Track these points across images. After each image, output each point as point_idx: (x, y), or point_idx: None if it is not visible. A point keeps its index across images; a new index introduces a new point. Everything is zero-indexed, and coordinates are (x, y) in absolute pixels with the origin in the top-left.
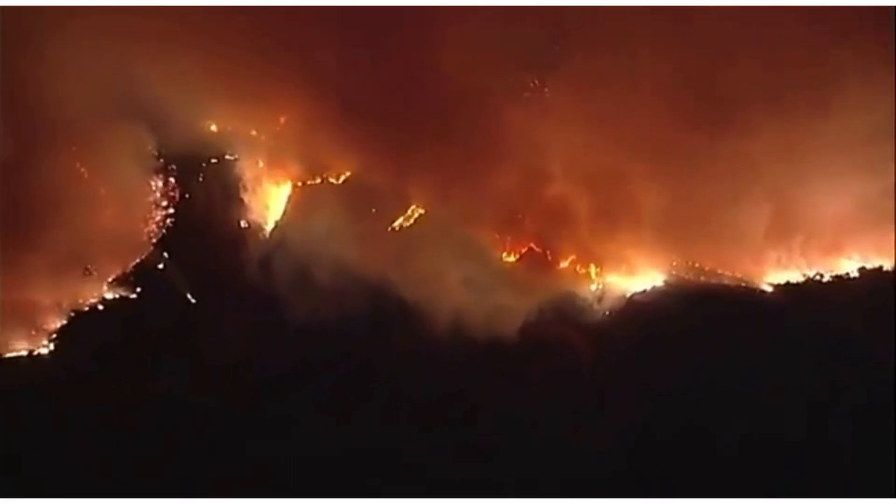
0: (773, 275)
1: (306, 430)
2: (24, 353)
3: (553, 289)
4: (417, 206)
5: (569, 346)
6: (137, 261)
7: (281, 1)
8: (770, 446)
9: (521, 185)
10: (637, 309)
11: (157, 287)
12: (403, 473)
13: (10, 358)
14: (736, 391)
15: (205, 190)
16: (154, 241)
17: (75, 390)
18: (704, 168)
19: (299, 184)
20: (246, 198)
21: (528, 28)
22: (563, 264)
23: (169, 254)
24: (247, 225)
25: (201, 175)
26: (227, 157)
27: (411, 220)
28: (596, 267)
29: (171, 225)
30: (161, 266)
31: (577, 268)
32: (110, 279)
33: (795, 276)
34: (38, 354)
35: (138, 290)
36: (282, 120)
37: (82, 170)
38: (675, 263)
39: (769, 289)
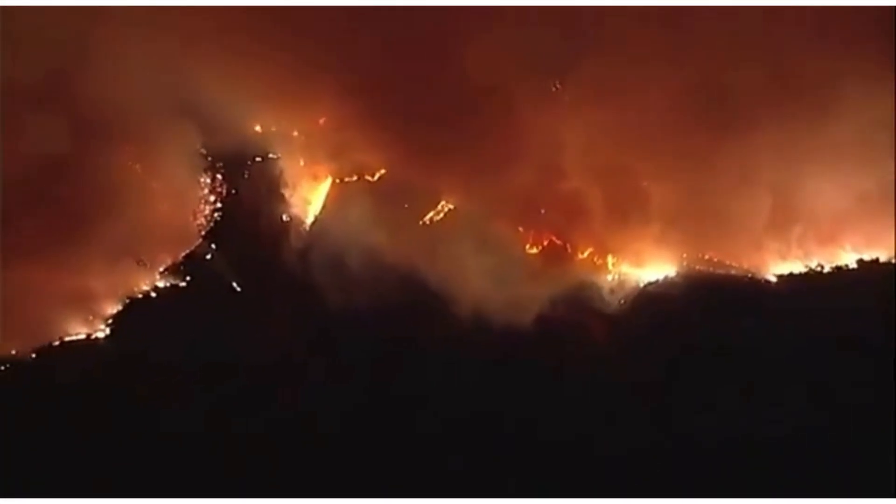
0: (776, 265)
1: (340, 406)
2: (83, 336)
3: (572, 278)
4: (447, 202)
5: (586, 331)
6: (187, 252)
7: (319, 1)
8: (773, 431)
9: (543, 182)
10: (650, 297)
11: (205, 276)
12: (427, 450)
13: (70, 341)
14: (741, 377)
15: (250, 186)
16: (202, 233)
17: (129, 372)
18: (710, 166)
19: (337, 181)
20: (287, 194)
21: (548, 36)
22: (582, 256)
23: (216, 245)
24: (288, 219)
25: (246, 173)
26: (271, 156)
27: (441, 215)
28: (612, 258)
29: (218, 219)
30: (209, 257)
31: (595, 259)
32: (162, 269)
33: (798, 267)
34: (95, 338)
35: (188, 279)
36: (321, 121)
37: (137, 167)
38: (685, 255)
39: (773, 279)
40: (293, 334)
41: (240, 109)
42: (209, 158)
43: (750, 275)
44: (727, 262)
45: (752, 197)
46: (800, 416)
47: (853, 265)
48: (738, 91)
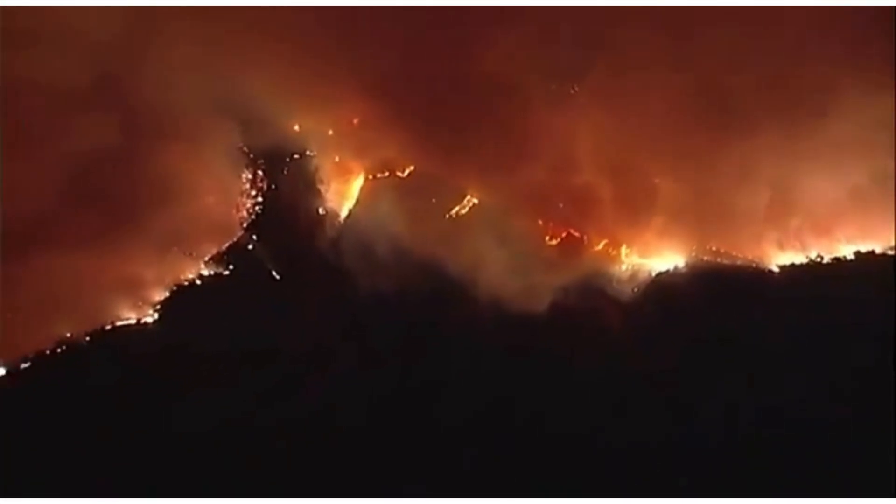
0: (776, 256)
1: (369, 388)
2: (133, 321)
3: (588, 268)
4: (472, 196)
5: (601, 316)
6: (230, 242)
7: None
8: (775, 418)
9: (560, 178)
10: (660, 286)
11: (246, 265)
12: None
13: (120, 326)
14: (746, 362)
15: (289, 182)
16: (244, 225)
17: (175, 355)
18: (714, 164)
19: (369, 176)
20: (323, 189)
21: (563, 43)
22: (598, 247)
23: (257, 237)
24: (324, 212)
25: (286, 169)
26: (308, 153)
27: (466, 209)
28: (625, 249)
29: (259, 212)
30: (250, 247)
31: (610, 250)
32: (206, 258)
33: (799, 258)
34: (144, 323)
35: (230, 267)
36: (354, 121)
37: (183, 162)
38: (692, 246)
39: (776, 269)
40: (327, 319)
41: (279, 110)
42: (251, 156)
43: (753, 265)
44: (732, 253)
45: (753, 192)
46: (801, 403)
47: (850, 256)
48: (739, 94)
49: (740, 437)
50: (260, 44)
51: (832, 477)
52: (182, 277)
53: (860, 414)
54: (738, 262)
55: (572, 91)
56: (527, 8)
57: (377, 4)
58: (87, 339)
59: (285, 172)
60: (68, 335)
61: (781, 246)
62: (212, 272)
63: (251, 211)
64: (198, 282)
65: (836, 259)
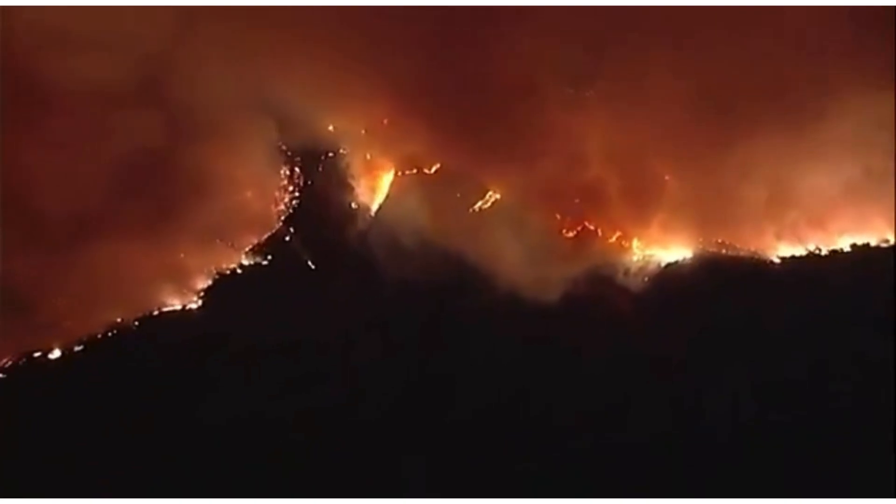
0: (777, 248)
1: (392, 369)
2: (178, 307)
3: (602, 259)
4: (494, 192)
5: (614, 304)
6: (268, 234)
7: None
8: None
9: (577, 176)
10: (669, 276)
11: (284, 256)
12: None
13: (166, 311)
14: (749, 348)
15: (323, 178)
16: (282, 218)
17: (218, 340)
18: (718, 163)
19: (398, 173)
20: (355, 184)
21: (578, 49)
22: (611, 240)
23: (294, 229)
24: (356, 206)
25: (320, 166)
26: (341, 151)
27: (488, 204)
28: (637, 242)
29: (296, 206)
30: (287, 239)
31: (622, 243)
32: (246, 249)
33: (799, 250)
34: (188, 309)
35: (269, 258)
36: (385, 121)
37: (224, 159)
38: (699, 240)
39: (777, 260)
40: (357, 306)
41: (315, 111)
42: (288, 153)
43: (756, 256)
44: (736, 245)
45: (754, 189)
46: (801, 391)
47: (847, 248)
48: (740, 97)
49: (742, 425)
50: (296, 48)
51: (831, 470)
52: (224, 267)
53: (861, 405)
54: (742, 254)
55: (587, 94)
56: (544, 11)
57: (407, 4)
58: (136, 323)
59: (320, 169)
60: (118, 320)
61: (780, 238)
62: (251, 262)
63: (288, 205)
64: (238, 271)
65: (833, 251)
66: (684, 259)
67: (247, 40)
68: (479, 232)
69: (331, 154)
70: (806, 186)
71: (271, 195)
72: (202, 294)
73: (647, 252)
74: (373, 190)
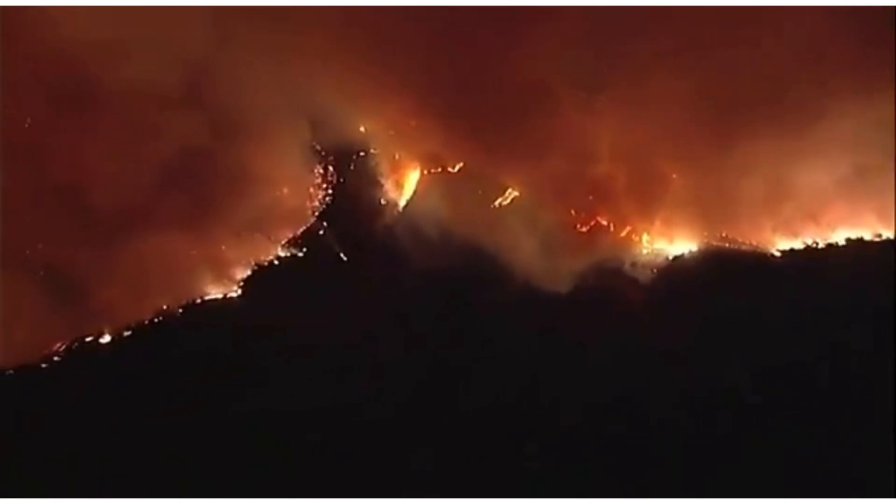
0: (777, 242)
1: (418, 349)
2: (220, 296)
3: (614, 252)
4: (513, 190)
5: (625, 294)
6: (303, 228)
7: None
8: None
9: (590, 175)
10: (676, 267)
11: (318, 248)
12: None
13: (208, 300)
14: (750, 337)
15: (354, 176)
16: (316, 213)
17: (256, 328)
18: (722, 162)
19: (424, 172)
20: (384, 182)
21: (590, 54)
22: (622, 234)
23: (327, 223)
24: (384, 202)
25: (352, 165)
26: (371, 151)
27: (508, 200)
28: (646, 236)
29: (329, 202)
30: (321, 232)
31: (632, 237)
32: (283, 242)
33: (797, 244)
34: (229, 298)
35: (304, 250)
36: (412, 123)
37: (263, 158)
38: (704, 234)
39: (777, 253)
40: (385, 294)
41: (347, 114)
42: (322, 153)
43: (757, 250)
44: (738, 240)
45: (754, 186)
46: (801, 378)
47: (842, 242)
48: (741, 101)
49: (744, 415)
50: (330, 55)
51: (830, 464)
52: (262, 258)
53: (859, 395)
54: (744, 248)
55: (599, 98)
56: (559, 20)
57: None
58: (180, 311)
59: (351, 168)
60: (164, 307)
61: (779, 232)
62: (287, 254)
63: (322, 201)
64: (275, 262)
65: (830, 245)
66: (689, 252)
67: (284, 48)
68: (499, 227)
69: (361, 154)
70: (802, 184)
71: (306, 192)
72: (242, 284)
73: (655, 246)
74: (400, 187)
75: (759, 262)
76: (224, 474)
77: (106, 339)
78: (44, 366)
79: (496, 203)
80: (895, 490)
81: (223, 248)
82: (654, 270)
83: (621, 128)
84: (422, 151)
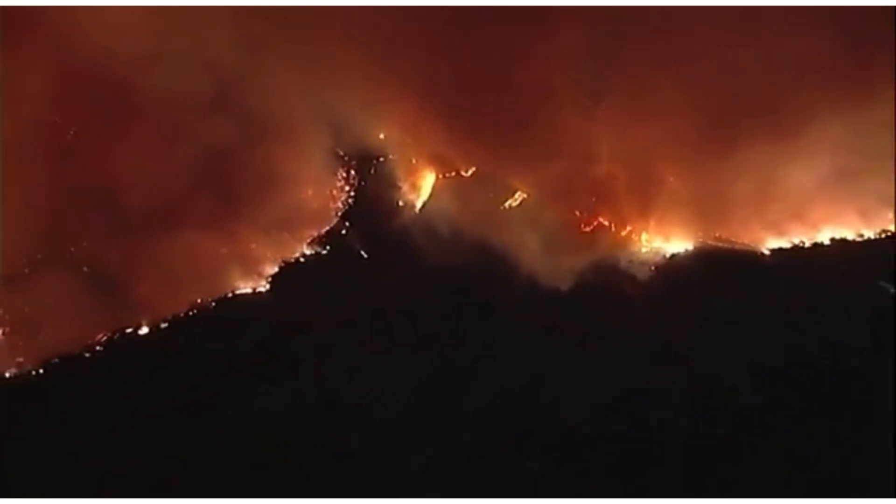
0: (767, 241)
1: (428, 340)
2: (249, 290)
3: (615, 251)
4: (522, 192)
5: (625, 290)
6: (327, 228)
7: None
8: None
9: (593, 178)
10: (673, 265)
11: (340, 246)
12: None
13: (239, 294)
14: (742, 332)
15: (374, 179)
16: (338, 214)
17: (284, 320)
18: (716, 166)
19: (439, 176)
20: (402, 185)
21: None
22: (622, 234)
23: (349, 223)
24: (402, 204)
25: (372, 169)
26: (390, 157)
27: (517, 202)
28: (645, 236)
29: (350, 203)
30: (343, 232)
31: (632, 236)
32: (308, 240)
33: (785, 244)
34: (258, 292)
35: (327, 248)
36: (427, 131)
37: (288, 161)
38: (700, 234)
39: (767, 252)
40: (401, 289)
41: (367, 122)
42: (344, 158)
43: (748, 249)
44: (731, 239)
45: (746, 190)
46: (798, 378)
47: (826, 241)
48: (735, 111)
49: (741, 411)
50: (353, 66)
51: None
52: (288, 255)
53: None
54: (736, 247)
55: (602, 106)
56: (566, 31)
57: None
58: (213, 304)
59: (371, 172)
60: (198, 301)
61: (769, 232)
62: (312, 252)
63: (344, 203)
64: (301, 259)
65: (815, 244)
66: (685, 251)
67: (308, 60)
68: (508, 227)
69: (380, 159)
70: (789, 187)
71: (329, 194)
72: (270, 279)
73: (654, 245)
74: (416, 190)
75: (750, 260)
76: (247, 457)
77: (144, 330)
78: (87, 355)
79: (506, 204)
80: (895, 490)
81: (252, 245)
82: (653, 268)
83: (622, 133)
84: (436, 157)
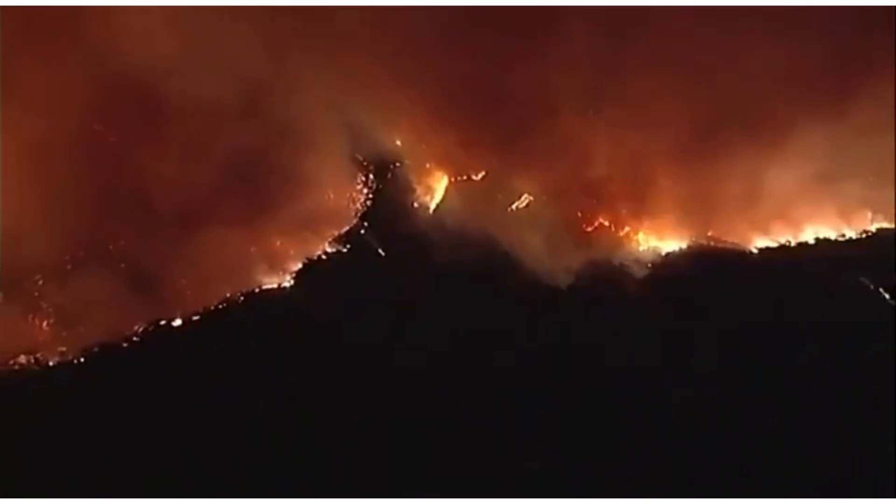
0: (755, 241)
1: (440, 332)
2: (275, 286)
3: (613, 249)
4: (528, 195)
5: (623, 286)
6: (347, 227)
7: None
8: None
9: (594, 181)
10: (668, 263)
11: (359, 245)
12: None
13: (266, 289)
14: (734, 327)
15: (391, 183)
16: (358, 215)
17: (307, 313)
18: (709, 170)
19: (452, 180)
20: (417, 188)
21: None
22: (621, 233)
23: (367, 224)
24: (417, 206)
25: (389, 173)
26: (406, 162)
27: (524, 204)
28: (642, 235)
29: (369, 204)
30: (362, 231)
31: (631, 236)
32: (329, 239)
33: (771, 243)
34: (283, 287)
35: (348, 246)
36: (440, 138)
37: (311, 165)
38: (693, 234)
39: (755, 251)
40: (415, 284)
41: (385, 129)
42: (363, 163)
43: (738, 248)
44: (722, 238)
45: (736, 192)
46: (786, 366)
47: (811, 241)
48: (724, 119)
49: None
50: (373, 77)
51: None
52: (312, 253)
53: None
54: (726, 246)
55: (603, 115)
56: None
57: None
58: (241, 298)
59: (388, 176)
60: (227, 295)
61: (755, 232)
62: (333, 250)
63: (363, 204)
64: (323, 256)
65: (800, 243)
66: (679, 249)
67: (333, 70)
68: (516, 228)
69: (397, 164)
70: (774, 190)
71: (349, 196)
72: (294, 274)
73: (650, 244)
74: (430, 192)
75: (740, 258)
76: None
77: (177, 322)
78: (125, 345)
79: (513, 206)
80: (895, 490)
81: (278, 243)
82: (649, 265)
83: (622, 139)
84: (449, 162)
